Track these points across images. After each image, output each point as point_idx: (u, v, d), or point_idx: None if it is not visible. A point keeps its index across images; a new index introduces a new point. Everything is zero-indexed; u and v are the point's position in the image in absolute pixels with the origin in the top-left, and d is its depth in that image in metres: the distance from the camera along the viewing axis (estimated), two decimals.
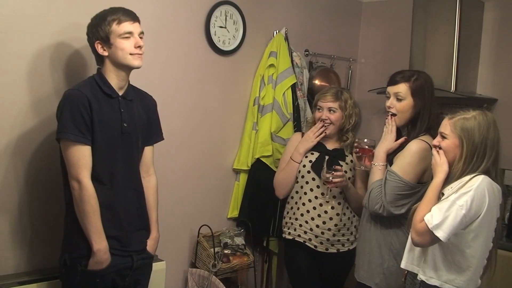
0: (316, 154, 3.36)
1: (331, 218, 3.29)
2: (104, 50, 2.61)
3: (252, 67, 4.05)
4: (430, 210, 2.32)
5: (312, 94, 4.38)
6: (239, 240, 3.82)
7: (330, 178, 3.13)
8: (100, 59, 2.66)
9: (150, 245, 2.82)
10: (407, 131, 2.92)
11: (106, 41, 2.59)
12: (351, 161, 3.34)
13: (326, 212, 3.29)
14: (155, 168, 2.94)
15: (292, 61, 4.10)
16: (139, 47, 2.62)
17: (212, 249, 3.65)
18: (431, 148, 2.58)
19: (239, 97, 4.01)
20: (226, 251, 3.72)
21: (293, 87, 4.07)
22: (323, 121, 3.32)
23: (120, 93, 2.68)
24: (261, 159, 3.92)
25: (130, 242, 2.69)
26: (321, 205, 3.30)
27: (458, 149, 2.38)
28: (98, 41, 2.60)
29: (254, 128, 3.95)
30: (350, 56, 4.83)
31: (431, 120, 2.84)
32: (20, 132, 2.86)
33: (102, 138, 2.56)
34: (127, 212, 2.69)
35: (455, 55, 3.96)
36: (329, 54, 4.59)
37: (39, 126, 2.91)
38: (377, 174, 2.87)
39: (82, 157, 2.50)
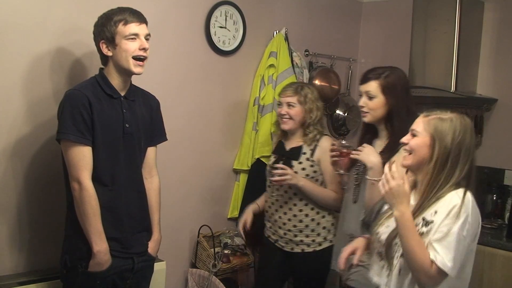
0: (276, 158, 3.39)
1: (289, 219, 3.28)
2: (109, 50, 2.59)
3: (252, 67, 4.05)
4: (426, 248, 2.07)
5: None
6: (239, 240, 3.82)
7: (270, 178, 3.16)
8: (104, 59, 2.65)
9: (151, 247, 2.81)
10: (388, 132, 2.79)
11: (111, 42, 2.57)
12: (307, 159, 3.27)
13: (285, 213, 3.29)
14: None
15: (292, 61, 4.10)
16: (144, 49, 2.60)
17: (212, 249, 3.65)
18: None
19: (239, 97, 4.01)
20: (226, 251, 3.72)
21: None
22: (282, 117, 3.30)
23: (122, 94, 2.67)
24: (261, 159, 3.91)
25: (131, 244, 2.68)
26: (281, 206, 3.30)
27: (429, 150, 2.17)
28: (103, 41, 2.58)
29: (254, 128, 3.95)
30: (350, 56, 4.82)
31: (411, 118, 2.67)
32: (19, 133, 2.86)
33: (104, 139, 2.55)
34: (129, 214, 2.68)
35: (455, 55, 3.96)
36: (329, 54, 4.59)
37: (38, 128, 2.91)
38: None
39: (82, 157, 2.49)
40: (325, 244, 3.26)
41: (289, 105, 3.28)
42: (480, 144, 4.16)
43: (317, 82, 4.41)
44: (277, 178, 3.14)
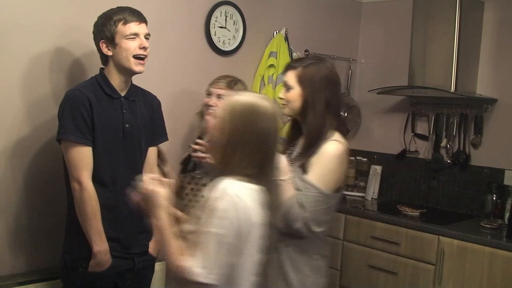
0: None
1: None
2: (109, 49, 2.59)
3: (252, 67, 4.04)
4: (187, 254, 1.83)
5: None
6: None
7: (192, 152, 2.90)
8: (104, 59, 2.65)
9: (152, 247, 2.81)
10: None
11: (111, 41, 2.57)
12: None
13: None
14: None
15: None
16: (144, 48, 2.61)
17: None
18: (347, 147, 2.46)
19: None
20: None
21: None
22: (208, 108, 3.06)
23: (123, 94, 2.67)
24: None
25: (131, 245, 2.68)
26: (195, 195, 3.05)
27: (219, 133, 1.93)
28: (103, 40, 2.59)
29: None
30: (350, 56, 4.82)
31: (332, 115, 2.52)
32: (19, 134, 2.86)
33: (104, 139, 2.55)
34: (129, 214, 2.65)
35: (455, 55, 3.95)
36: (329, 54, 4.58)
37: (38, 128, 2.91)
38: (289, 189, 2.42)
39: (82, 158, 2.49)
40: None
41: (219, 97, 3.05)
42: (480, 144, 4.16)
43: None
44: (195, 154, 2.87)
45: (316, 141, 2.48)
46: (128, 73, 2.65)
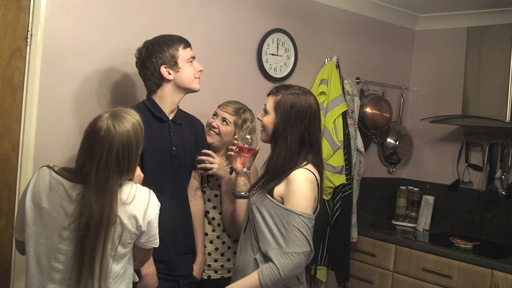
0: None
1: (211, 241, 3.00)
2: (170, 73, 2.67)
3: None
4: None
5: (363, 122, 4.36)
6: None
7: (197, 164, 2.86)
8: (157, 84, 2.70)
9: (196, 269, 2.83)
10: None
11: (173, 65, 2.66)
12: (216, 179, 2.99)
13: (207, 234, 3.01)
14: None
15: (343, 88, 4.08)
16: (200, 70, 2.74)
17: None
18: (317, 179, 2.41)
19: None
20: None
21: (344, 115, 4.04)
22: (210, 128, 3.04)
23: (170, 117, 2.74)
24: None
25: (176, 267, 2.71)
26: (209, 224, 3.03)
27: None
28: (164, 65, 2.66)
29: None
30: (402, 84, 4.78)
31: (304, 148, 2.46)
32: (71, 154, 2.90)
33: (152, 163, 2.60)
34: (175, 236, 2.70)
35: (510, 85, 3.88)
36: (380, 82, 4.56)
37: None
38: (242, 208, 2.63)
39: None
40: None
41: (224, 120, 3.02)
42: None
43: (368, 109, 4.39)
44: (201, 165, 2.84)
45: (281, 171, 2.42)
46: (188, 92, 2.76)
